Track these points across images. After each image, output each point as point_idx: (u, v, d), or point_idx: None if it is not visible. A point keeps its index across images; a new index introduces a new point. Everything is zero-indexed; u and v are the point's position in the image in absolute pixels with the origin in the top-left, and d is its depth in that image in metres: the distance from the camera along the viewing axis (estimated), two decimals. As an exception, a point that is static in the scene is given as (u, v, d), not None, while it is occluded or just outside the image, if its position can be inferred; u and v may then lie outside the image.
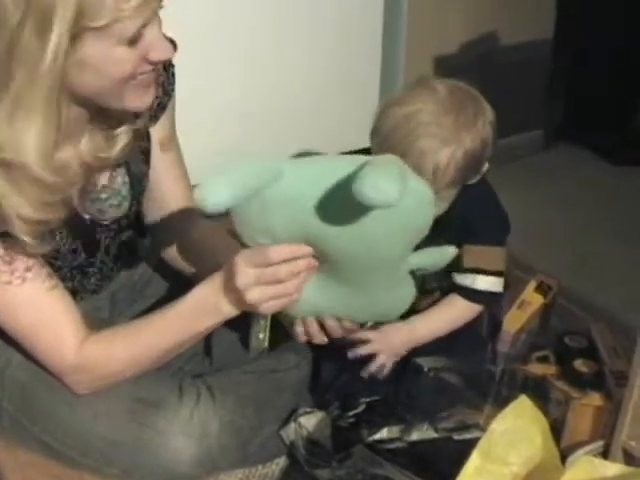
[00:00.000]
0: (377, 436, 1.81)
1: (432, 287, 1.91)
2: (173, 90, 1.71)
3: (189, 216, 1.79)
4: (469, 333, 1.93)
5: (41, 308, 1.53)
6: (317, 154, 1.43)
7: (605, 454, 1.74)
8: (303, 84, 2.76)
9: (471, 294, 1.85)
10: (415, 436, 1.78)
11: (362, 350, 1.86)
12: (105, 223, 1.67)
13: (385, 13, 2.81)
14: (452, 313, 1.88)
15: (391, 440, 1.77)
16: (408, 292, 1.55)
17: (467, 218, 1.81)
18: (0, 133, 1.34)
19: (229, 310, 1.50)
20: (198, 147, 2.50)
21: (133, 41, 1.35)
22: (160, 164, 1.75)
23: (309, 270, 1.43)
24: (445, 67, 2.90)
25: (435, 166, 1.67)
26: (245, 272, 1.40)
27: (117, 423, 1.63)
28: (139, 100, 1.46)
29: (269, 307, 1.45)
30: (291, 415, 1.81)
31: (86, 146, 1.55)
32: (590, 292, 2.30)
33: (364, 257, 1.40)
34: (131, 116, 1.56)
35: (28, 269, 1.49)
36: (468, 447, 1.61)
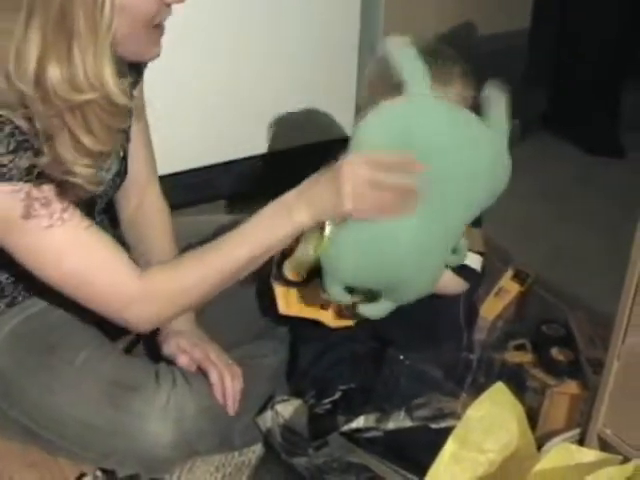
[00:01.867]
0: (354, 424, 1.81)
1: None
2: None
3: (147, 181, 1.87)
4: (446, 321, 1.93)
5: (89, 246, 1.51)
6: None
7: (581, 442, 1.74)
8: (277, 73, 2.75)
9: (459, 268, 1.84)
10: (391, 425, 1.78)
11: None
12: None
13: (362, 4, 2.80)
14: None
15: (367, 429, 1.77)
16: (440, 275, 1.66)
17: None
18: (79, 74, 1.37)
19: (302, 219, 1.51)
20: (183, 134, 2.51)
21: None
22: (132, 131, 1.77)
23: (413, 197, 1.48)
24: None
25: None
26: (354, 168, 1.46)
27: (94, 406, 1.63)
28: (154, 50, 1.51)
29: (360, 212, 1.48)
30: (268, 402, 1.81)
31: None
32: (566, 281, 2.30)
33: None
34: (132, 71, 1.63)
35: (64, 210, 1.46)
36: (445, 435, 1.62)
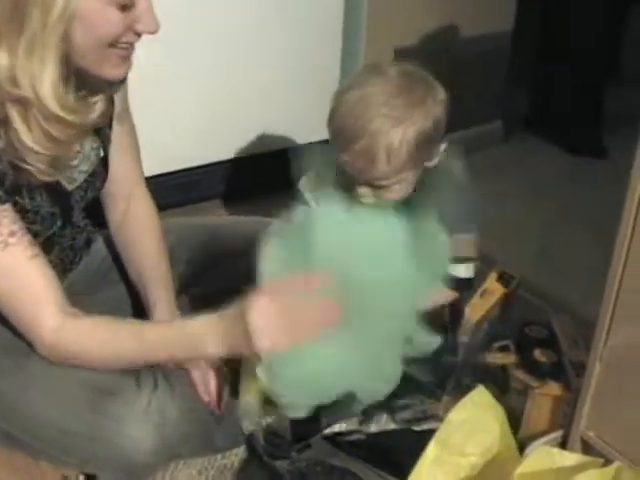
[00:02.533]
0: (336, 428, 1.81)
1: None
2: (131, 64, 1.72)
3: (133, 184, 1.88)
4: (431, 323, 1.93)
5: (22, 275, 1.52)
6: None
7: (564, 444, 1.75)
8: (263, 76, 2.75)
9: (450, 282, 1.83)
10: (374, 427, 1.78)
11: None
12: (77, 186, 1.70)
13: (345, 4, 2.81)
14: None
15: (350, 432, 1.77)
16: (397, 371, 1.66)
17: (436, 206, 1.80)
18: (19, 69, 1.40)
19: (213, 352, 1.53)
20: (170, 135, 2.51)
21: (125, 7, 1.42)
22: (114, 133, 1.78)
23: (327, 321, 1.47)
24: (405, 59, 2.87)
25: (388, 146, 1.68)
26: (262, 305, 1.43)
27: (73, 411, 1.62)
28: (116, 70, 1.51)
29: (276, 346, 1.45)
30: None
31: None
32: (551, 283, 2.30)
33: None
34: (106, 85, 1.60)
35: (12, 234, 1.49)
36: (427, 438, 1.62)
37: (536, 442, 1.74)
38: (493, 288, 2.14)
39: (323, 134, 2.90)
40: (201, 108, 2.66)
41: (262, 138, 2.84)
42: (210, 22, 2.58)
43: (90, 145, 1.70)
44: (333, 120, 1.76)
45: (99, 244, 1.94)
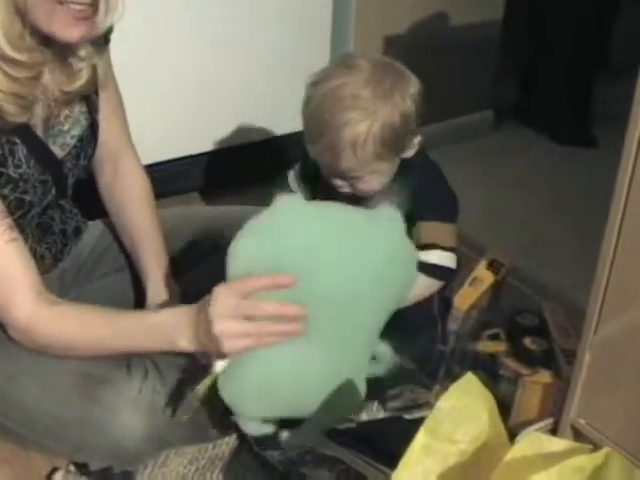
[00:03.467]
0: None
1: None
2: (112, 29, 1.71)
3: (120, 146, 1.89)
4: (420, 312, 1.93)
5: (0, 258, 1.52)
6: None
7: (554, 432, 1.75)
8: (251, 66, 2.74)
9: (431, 269, 1.84)
10: (365, 416, 1.78)
11: None
12: (67, 152, 1.70)
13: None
14: (416, 293, 1.83)
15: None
16: (361, 391, 1.62)
17: (417, 194, 1.78)
18: None
19: (185, 346, 1.50)
20: (155, 126, 2.50)
21: None
22: (100, 100, 1.78)
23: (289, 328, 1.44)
24: (395, 48, 2.90)
25: (353, 140, 1.70)
26: (223, 300, 1.42)
27: (64, 399, 1.62)
28: (66, 30, 1.48)
29: (233, 345, 1.43)
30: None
31: (49, 81, 1.61)
32: (540, 272, 2.31)
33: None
34: (89, 51, 1.63)
35: None
36: (418, 426, 1.62)
37: (527, 430, 1.74)
38: (483, 276, 2.15)
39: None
40: (182, 99, 2.65)
41: (249, 129, 2.83)
42: (194, 14, 2.57)
43: (79, 109, 1.71)
44: (303, 114, 1.78)
45: (88, 235, 1.94)
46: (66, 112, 1.68)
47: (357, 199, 1.80)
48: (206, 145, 2.77)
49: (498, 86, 3.26)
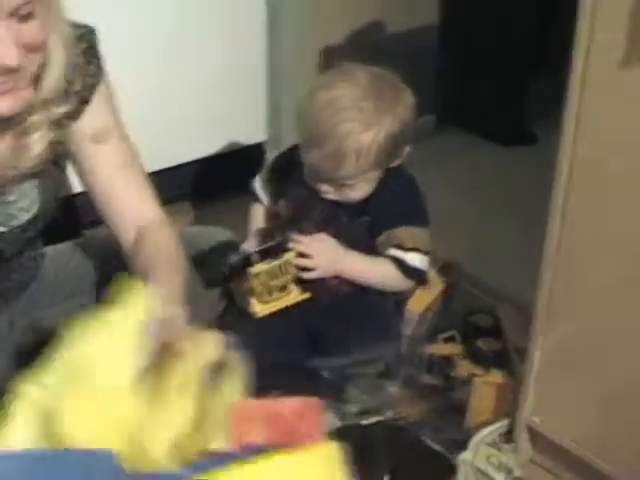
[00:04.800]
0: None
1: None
2: (98, 82, 1.62)
3: (138, 208, 1.68)
4: (377, 315, 1.98)
5: None
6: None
7: (510, 432, 1.76)
8: (188, 84, 2.73)
9: (412, 272, 1.92)
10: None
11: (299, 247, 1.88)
12: (5, 230, 1.61)
13: (268, 5, 2.80)
14: (383, 271, 1.92)
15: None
16: None
17: (397, 201, 1.91)
18: None
19: None
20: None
21: None
22: (97, 157, 1.65)
23: None
24: (333, 57, 2.90)
25: (358, 148, 1.79)
26: None
27: None
28: None
29: None
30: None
31: None
32: (491, 274, 2.33)
33: None
34: (45, 122, 1.51)
35: None
36: (375, 431, 1.66)
37: (482, 432, 1.76)
38: (435, 280, 2.16)
39: (254, 137, 2.93)
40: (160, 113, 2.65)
41: (191, 147, 2.83)
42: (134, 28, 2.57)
43: (31, 182, 1.61)
44: (303, 121, 1.85)
45: (49, 259, 1.87)
46: (7, 184, 1.57)
47: (333, 206, 1.91)
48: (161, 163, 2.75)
49: (439, 90, 3.28)
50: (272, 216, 2.09)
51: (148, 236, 1.64)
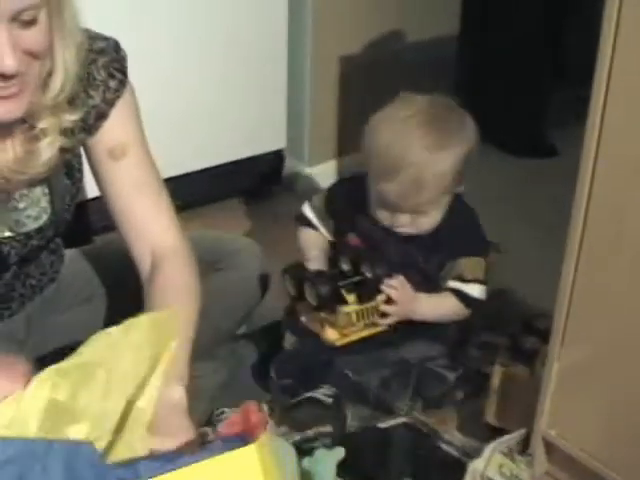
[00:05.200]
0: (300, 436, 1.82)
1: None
2: (119, 97, 1.61)
3: (157, 232, 1.67)
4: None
5: None
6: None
7: (527, 442, 1.75)
8: (209, 90, 2.74)
9: (468, 299, 1.97)
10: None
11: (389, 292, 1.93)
12: (11, 235, 1.61)
13: (290, 13, 2.80)
14: (448, 307, 1.98)
15: (316, 437, 1.78)
16: None
17: (459, 236, 1.97)
18: None
19: None
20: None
21: None
22: (114, 174, 1.65)
23: None
24: (352, 67, 2.91)
25: (435, 172, 1.84)
26: None
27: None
28: None
29: None
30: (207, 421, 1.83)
31: (3, 157, 1.52)
32: (509, 285, 2.33)
33: None
34: (55, 129, 1.51)
35: None
36: (393, 434, 1.69)
37: (497, 440, 1.74)
38: None
39: (272, 145, 2.93)
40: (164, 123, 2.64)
41: (211, 152, 2.83)
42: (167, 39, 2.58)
43: (42, 190, 1.61)
44: (372, 156, 1.89)
45: (67, 265, 1.87)
46: (23, 191, 1.58)
47: (406, 245, 1.97)
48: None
49: (456, 101, 3.27)
50: (334, 245, 2.11)
51: (162, 268, 1.63)
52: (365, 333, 1.95)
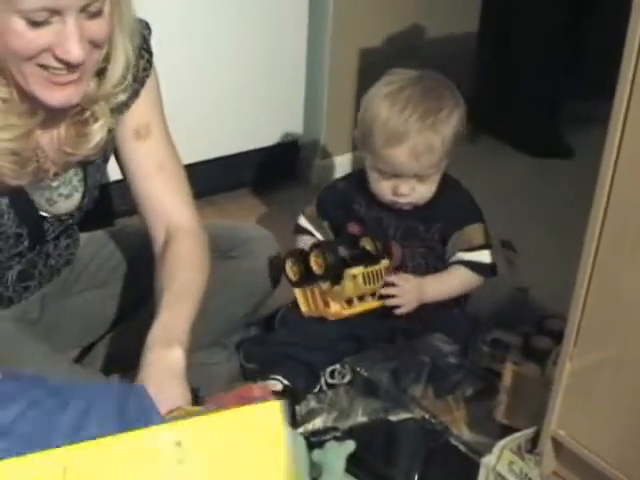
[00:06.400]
0: (310, 426, 1.83)
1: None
2: (147, 77, 1.66)
3: (172, 212, 1.71)
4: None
5: None
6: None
7: (535, 440, 1.75)
8: (228, 79, 2.73)
9: (481, 267, 2.03)
10: (350, 422, 1.83)
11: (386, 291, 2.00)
12: (56, 214, 1.65)
13: (310, 6, 2.80)
14: (461, 280, 2.04)
15: (326, 430, 1.78)
16: None
17: (455, 205, 2.04)
18: None
19: None
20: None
21: (36, 24, 1.34)
22: (137, 153, 1.69)
23: None
24: (371, 60, 2.90)
25: (440, 134, 1.92)
26: None
27: None
28: (47, 93, 1.43)
29: None
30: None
31: (50, 138, 1.57)
32: (522, 284, 2.33)
33: None
34: (106, 112, 1.56)
35: None
36: (404, 427, 1.71)
37: (507, 437, 1.74)
38: None
39: (288, 136, 2.93)
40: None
41: (228, 141, 2.84)
42: (177, 35, 2.57)
43: (74, 170, 1.66)
44: (373, 124, 1.94)
45: (83, 248, 1.90)
46: (55, 169, 1.62)
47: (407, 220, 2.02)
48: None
49: (474, 99, 3.27)
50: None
51: (175, 243, 1.67)
52: (370, 305, 1.98)
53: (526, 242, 2.48)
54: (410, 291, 1.98)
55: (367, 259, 1.94)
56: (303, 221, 2.15)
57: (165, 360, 1.45)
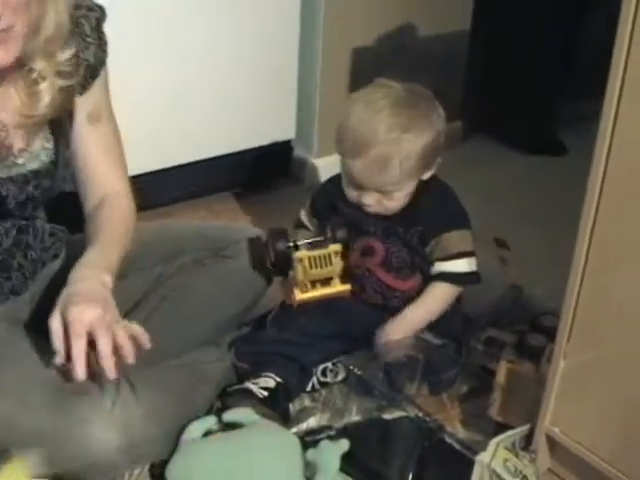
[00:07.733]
0: (304, 425, 1.84)
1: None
2: (106, 57, 1.72)
3: (110, 186, 1.82)
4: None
5: None
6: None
7: (529, 438, 1.75)
8: (221, 80, 2.73)
9: (459, 278, 2.00)
10: (345, 420, 1.85)
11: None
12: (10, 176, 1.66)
13: (302, 6, 2.80)
14: (441, 298, 2.01)
15: (320, 429, 1.78)
16: None
17: (436, 210, 1.99)
18: None
19: None
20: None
21: None
22: (88, 137, 1.77)
23: None
24: (364, 58, 2.91)
25: (400, 151, 1.87)
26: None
27: (40, 412, 1.61)
28: None
29: None
30: (212, 408, 1.83)
31: (11, 104, 1.60)
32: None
33: None
34: (51, 70, 1.59)
35: None
36: (398, 425, 1.72)
37: (501, 434, 1.74)
38: None
39: (281, 136, 2.93)
40: (159, 111, 2.64)
41: (220, 141, 2.83)
42: (170, 31, 2.57)
43: (41, 144, 1.68)
44: (344, 134, 1.93)
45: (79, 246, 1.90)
46: (20, 145, 1.64)
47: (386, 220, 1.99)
48: (173, 159, 2.74)
49: (467, 97, 3.27)
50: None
51: (109, 202, 1.80)
52: (336, 289, 1.98)
53: (520, 240, 2.48)
54: (394, 335, 1.98)
55: (316, 244, 1.96)
56: (303, 216, 2.16)
57: (97, 279, 1.61)
